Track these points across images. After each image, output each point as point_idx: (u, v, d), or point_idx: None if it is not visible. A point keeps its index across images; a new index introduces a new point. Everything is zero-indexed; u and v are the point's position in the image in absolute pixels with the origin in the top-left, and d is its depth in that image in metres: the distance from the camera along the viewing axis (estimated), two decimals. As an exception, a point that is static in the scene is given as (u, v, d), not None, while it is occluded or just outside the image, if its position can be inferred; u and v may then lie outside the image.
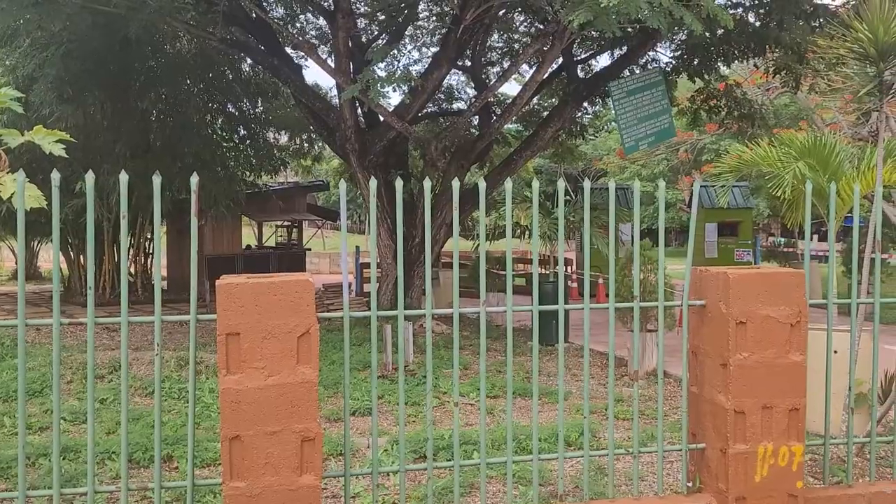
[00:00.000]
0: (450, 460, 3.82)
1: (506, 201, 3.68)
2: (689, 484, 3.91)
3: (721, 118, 15.31)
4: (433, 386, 3.77)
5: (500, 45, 16.76)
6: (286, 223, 20.72)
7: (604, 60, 15.15)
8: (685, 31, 10.52)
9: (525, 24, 15.26)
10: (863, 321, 5.50)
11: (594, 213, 19.04)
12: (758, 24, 12.05)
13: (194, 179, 3.12)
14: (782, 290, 3.72)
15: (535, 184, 3.94)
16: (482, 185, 3.76)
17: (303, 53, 12.75)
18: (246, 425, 3.13)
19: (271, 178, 19.64)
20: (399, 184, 3.47)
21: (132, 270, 16.44)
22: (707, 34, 11.01)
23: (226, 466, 3.12)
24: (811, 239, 4.81)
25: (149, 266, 16.67)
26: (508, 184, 3.80)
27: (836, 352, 5.14)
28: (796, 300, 3.73)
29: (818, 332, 5.16)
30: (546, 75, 14.41)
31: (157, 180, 3.06)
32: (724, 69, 15.11)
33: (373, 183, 3.48)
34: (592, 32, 12.49)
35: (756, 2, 11.70)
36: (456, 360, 3.53)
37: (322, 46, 14.51)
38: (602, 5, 7.10)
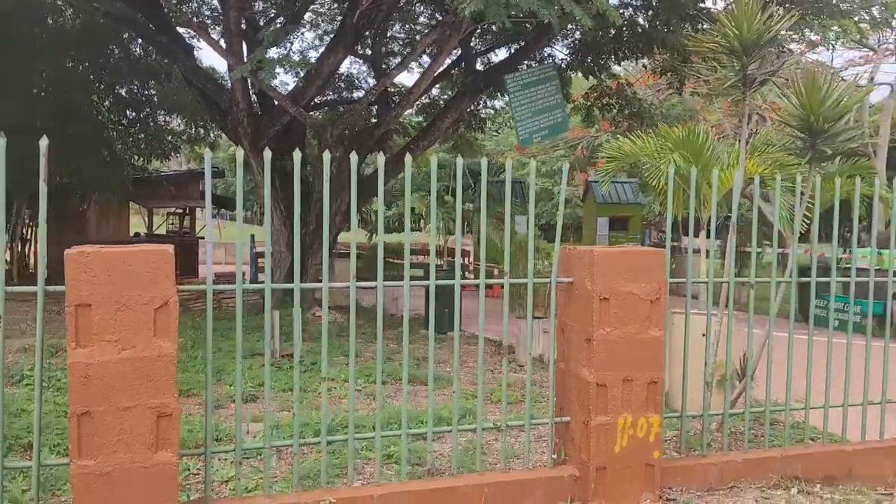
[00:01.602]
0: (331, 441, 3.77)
1: (405, 182, 3.71)
2: (555, 456, 4.02)
3: (612, 116, 15.80)
4: (320, 372, 3.73)
5: (403, 35, 16.73)
6: (178, 211, 20.01)
7: (503, 54, 15.35)
8: (578, 29, 10.77)
9: (426, 14, 15.28)
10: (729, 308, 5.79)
11: (492, 204, 19.27)
12: (647, 25, 12.50)
13: (43, 143, 2.96)
14: (644, 268, 3.87)
15: (434, 159, 3.99)
16: (381, 160, 3.78)
17: (195, 33, 12.33)
18: (96, 401, 2.99)
19: (163, 163, 18.93)
20: (298, 157, 3.43)
21: (7, 257, 15.49)
22: (600, 32, 11.36)
23: (73, 444, 2.98)
24: (697, 235, 5.03)
25: (26, 253, 15.74)
26: (408, 159, 3.85)
27: (703, 335, 5.43)
28: (657, 278, 3.89)
29: (696, 315, 5.43)
30: (444, 66, 14.51)
31: (43, 143, 2.90)
32: (616, 68, 15.62)
33: (267, 153, 3.43)
34: (491, 26, 12.68)
35: (644, 3, 12.14)
36: (353, 338, 3.49)
37: (217, 27, 14.06)
38: (493, -6, 7.19)
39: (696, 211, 5.58)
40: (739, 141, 5.44)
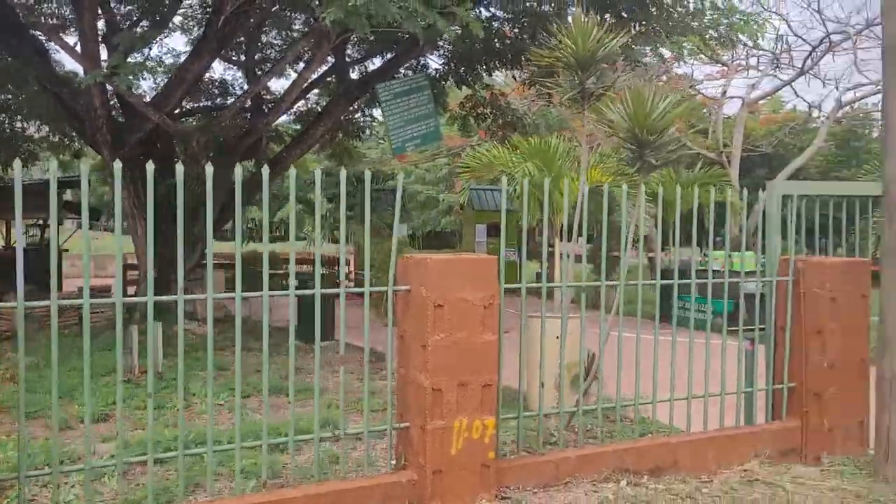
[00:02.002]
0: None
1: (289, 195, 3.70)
2: (394, 462, 4.08)
3: (487, 125, 16.17)
4: (183, 388, 3.66)
5: (280, 42, 16.50)
6: (39, 222, 18.86)
7: (379, 63, 15.41)
8: (447, 40, 10.95)
9: (300, 21, 15.14)
10: (581, 310, 6.05)
11: (375, 213, 19.16)
12: (513, 38, 12.88)
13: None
14: (477, 274, 3.99)
15: (318, 172, 4.02)
16: (266, 171, 3.77)
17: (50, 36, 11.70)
18: None
19: (26, 170, 17.77)
20: (150, 168, 3.35)
21: None
22: (472, 43, 11.62)
23: None
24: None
25: None
26: (292, 171, 3.87)
27: (557, 337, 5.65)
28: (490, 284, 4.02)
29: (552, 319, 5.63)
30: (320, 74, 14.43)
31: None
32: (491, 78, 15.99)
33: (117, 164, 3.34)
34: (367, 35, 12.70)
35: (511, 16, 12.50)
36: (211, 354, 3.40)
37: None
38: (351, 4, 7.22)
39: (549, 218, 5.83)
40: (581, 153, 5.70)
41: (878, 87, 17.71)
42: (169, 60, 16.13)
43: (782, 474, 4.75)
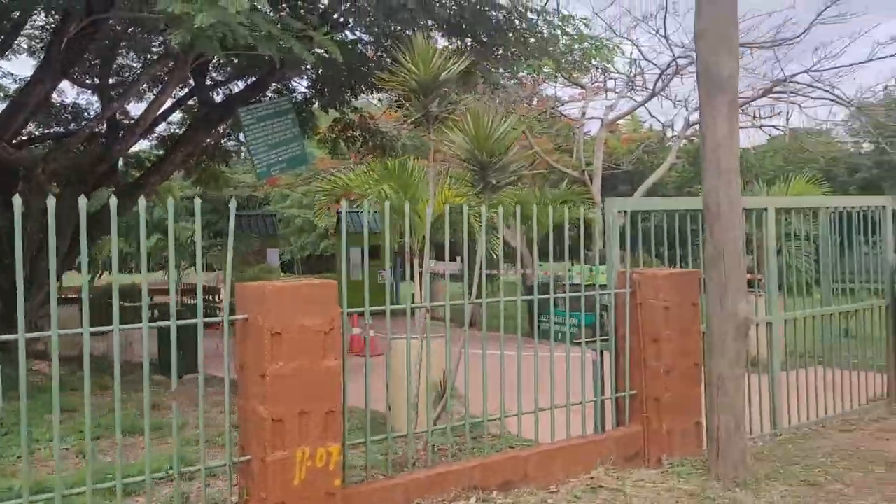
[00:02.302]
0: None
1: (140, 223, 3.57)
2: (235, 499, 3.95)
3: (357, 148, 16.15)
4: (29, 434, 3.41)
5: (138, 64, 15.87)
6: None
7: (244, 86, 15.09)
8: (312, 63, 10.85)
9: (158, 43, 14.63)
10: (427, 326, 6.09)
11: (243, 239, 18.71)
12: (380, 60, 12.96)
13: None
14: (316, 300, 3.96)
15: (198, 202, 3.85)
16: (114, 201, 3.58)
17: None
18: None
19: None
20: (17, 202, 3.14)
21: None
22: (341, 67, 11.58)
23: None
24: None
25: None
26: (142, 202, 3.71)
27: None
28: (330, 310, 3.99)
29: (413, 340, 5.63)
30: (178, 97, 13.99)
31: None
32: (361, 101, 16.01)
33: None
34: (231, 58, 12.42)
35: (374, 41, 12.59)
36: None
37: None
38: (196, 26, 7.04)
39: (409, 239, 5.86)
40: (438, 174, 5.79)
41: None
42: (13, 86, 15.21)
43: (625, 479, 4.95)
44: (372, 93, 13.84)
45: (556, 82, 18.76)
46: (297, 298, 3.90)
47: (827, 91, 17.05)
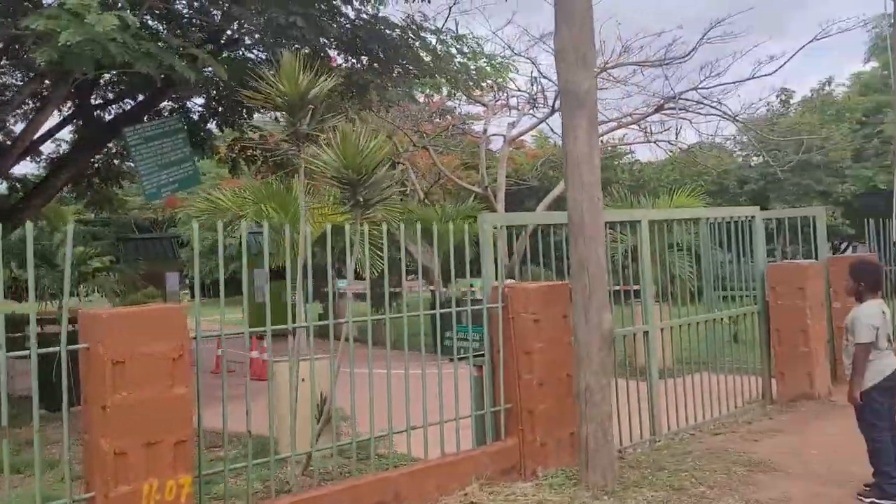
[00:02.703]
0: None
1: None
2: (79, 537, 3.74)
3: (258, 167, 15.85)
4: None
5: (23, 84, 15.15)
6: None
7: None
8: (206, 82, 10.56)
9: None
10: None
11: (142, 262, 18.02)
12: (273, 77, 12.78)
13: None
14: (163, 326, 3.81)
15: (71, 227, 3.62)
16: None
17: None
18: None
19: None
20: None
21: None
22: (233, 85, 11.33)
23: None
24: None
25: None
26: (29, 226, 3.49)
27: (303, 380, 5.53)
28: (178, 335, 3.85)
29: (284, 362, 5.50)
30: (64, 116, 13.43)
31: None
32: (258, 119, 15.75)
33: None
34: (122, 76, 12.00)
35: (270, 59, 12.43)
36: None
37: None
38: (61, 44, 6.77)
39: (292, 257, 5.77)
40: (299, 195, 5.70)
41: (618, 123, 19.72)
42: None
43: (498, 493, 4.96)
44: (270, 111, 13.65)
45: (458, 100, 18.97)
46: (141, 325, 3.75)
47: (713, 107, 17.86)
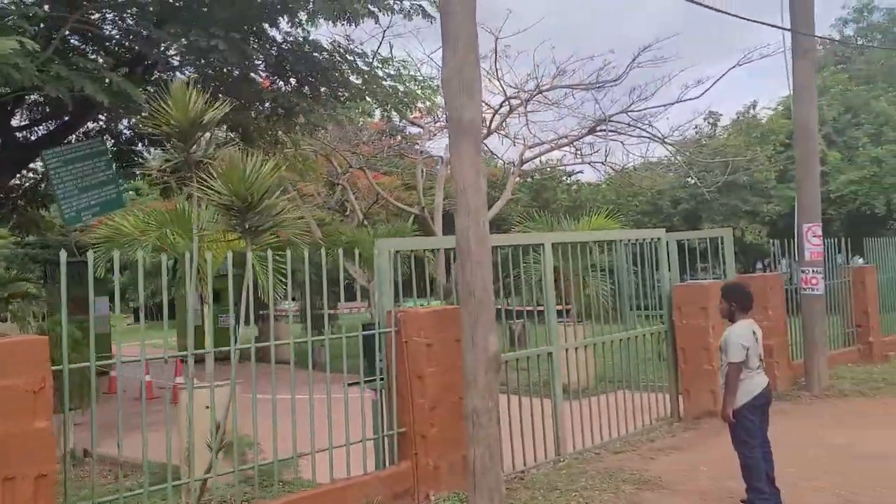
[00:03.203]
0: None
1: None
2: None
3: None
4: None
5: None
6: None
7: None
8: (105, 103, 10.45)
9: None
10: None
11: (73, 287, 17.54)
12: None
13: None
14: (24, 358, 3.75)
15: None
16: None
17: None
18: None
19: None
20: None
21: None
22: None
23: None
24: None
25: None
26: None
27: (207, 407, 5.47)
28: (39, 368, 3.80)
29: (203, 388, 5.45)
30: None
31: None
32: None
33: None
34: (43, 97, 11.79)
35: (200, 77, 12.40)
36: None
37: None
38: (-45, 67, 6.68)
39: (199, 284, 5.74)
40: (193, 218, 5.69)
41: (552, 145, 20.05)
42: None
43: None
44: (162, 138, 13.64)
45: (401, 122, 19.10)
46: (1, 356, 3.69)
47: (643, 129, 18.31)
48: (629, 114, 18.46)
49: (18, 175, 15.45)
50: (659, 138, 18.51)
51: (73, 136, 13.18)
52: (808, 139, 9.18)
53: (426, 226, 18.73)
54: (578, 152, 18.99)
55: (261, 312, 19.70)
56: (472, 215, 5.14)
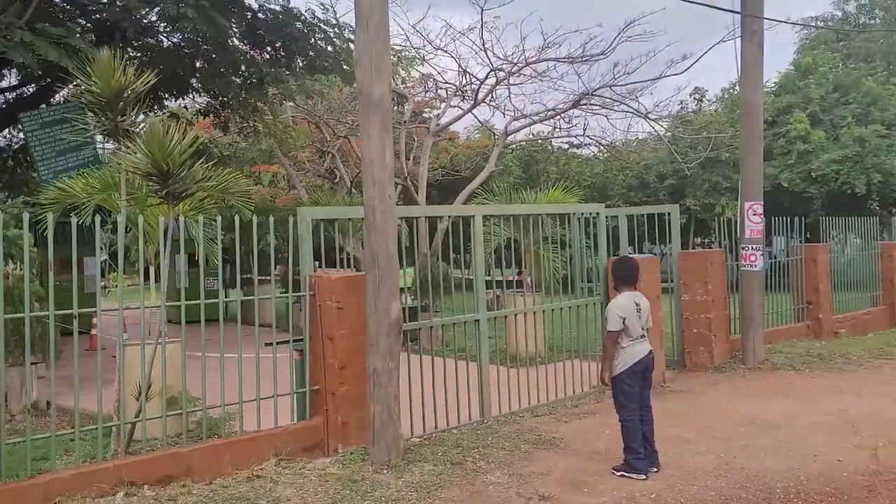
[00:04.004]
0: None
1: None
2: None
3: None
4: None
5: None
6: None
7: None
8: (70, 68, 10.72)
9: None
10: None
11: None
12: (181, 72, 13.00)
13: None
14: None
15: None
16: None
17: None
18: None
19: None
20: None
21: None
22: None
23: None
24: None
25: None
26: None
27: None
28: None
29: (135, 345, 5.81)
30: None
31: None
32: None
33: None
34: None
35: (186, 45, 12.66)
36: None
37: None
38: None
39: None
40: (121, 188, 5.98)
41: (541, 117, 20.17)
42: None
43: (291, 468, 5.34)
44: (184, 98, 13.95)
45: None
46: None
47: (626, 104, 18.41)
48: (613, 88, 18.57)
49: (8, 136, 15.86)
50: (642, 114, 18.63)
51: (53, 99, 13.54)
52: (752, 119, 9.36)
53: (409, 195, 19.00)
54: (558, 126, 19.11)
55: (246, 276, 20.19)
56: (377, 187, 5.43)
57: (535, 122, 20.04)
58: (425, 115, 22.02)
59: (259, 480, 5.09)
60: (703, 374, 9.07)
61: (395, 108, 21.50)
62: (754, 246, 9.24)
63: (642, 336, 5.34)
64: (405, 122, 18.90)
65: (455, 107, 21.18)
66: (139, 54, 12.44)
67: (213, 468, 5.20)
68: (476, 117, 22.41)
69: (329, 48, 13.09)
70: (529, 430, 6.48)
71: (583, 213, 8.63)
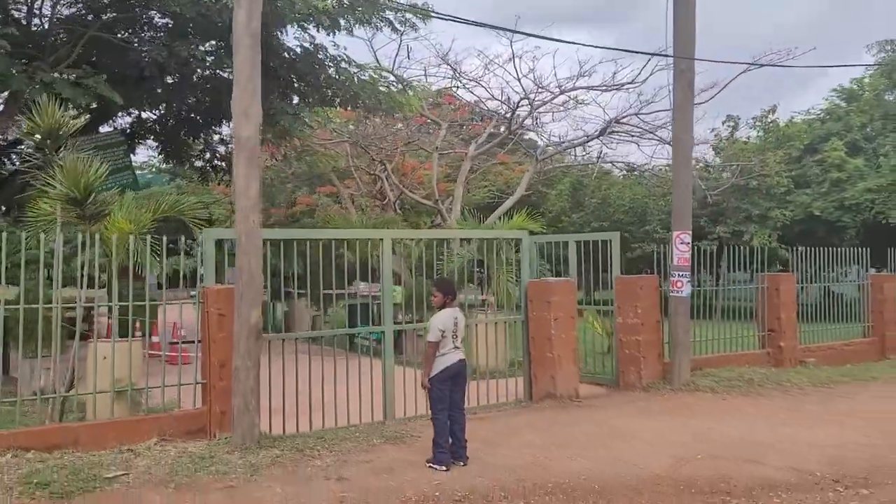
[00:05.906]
0: None
1: None
2: None
3: (220, 177, 17.68)
4: None
5: None
6: None
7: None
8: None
9: None
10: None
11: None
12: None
13: None
14: None
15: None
16: None
17: None
18: None
19: None
20: None
21: None
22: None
23: None
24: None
25: None
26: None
27: (105, 357, 7.11)
28: None
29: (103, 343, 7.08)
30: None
31: None
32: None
33: None
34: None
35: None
36: None
37: None
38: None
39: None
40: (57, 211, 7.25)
41: (572, 142, 20.73)
42: None
43: (164, 447, 6.36)
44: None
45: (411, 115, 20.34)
46: None
47: (651, 133, 18.71)
48: (640, 116, 18.93)
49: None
50: (668, 140, 18.84)
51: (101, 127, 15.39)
52: (681, 151, 9.76)
53: (442, 217, 19.92)
54: (587, 153, 19.60)
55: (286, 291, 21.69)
56: (242, 213, 6.46)
57: (567, 148, 20.59)
58: (462, 139, 22.86)
59: (128, 454, 6.14)
60: (631, 392, 9.50)
61: (428, 134, 22.63)
62: (681, 273, 9.62)
63: (455, 347, 6.08)
64: (437, 147, 19.89)
65: (493, 132, 22.09)
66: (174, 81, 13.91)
67: (99, 442, 6.30)
68: (519, 142, 23.07)
69: (341, 77, 14.12)
70: (402, 430, 7.24)
71: (505, 239, 9.34)
